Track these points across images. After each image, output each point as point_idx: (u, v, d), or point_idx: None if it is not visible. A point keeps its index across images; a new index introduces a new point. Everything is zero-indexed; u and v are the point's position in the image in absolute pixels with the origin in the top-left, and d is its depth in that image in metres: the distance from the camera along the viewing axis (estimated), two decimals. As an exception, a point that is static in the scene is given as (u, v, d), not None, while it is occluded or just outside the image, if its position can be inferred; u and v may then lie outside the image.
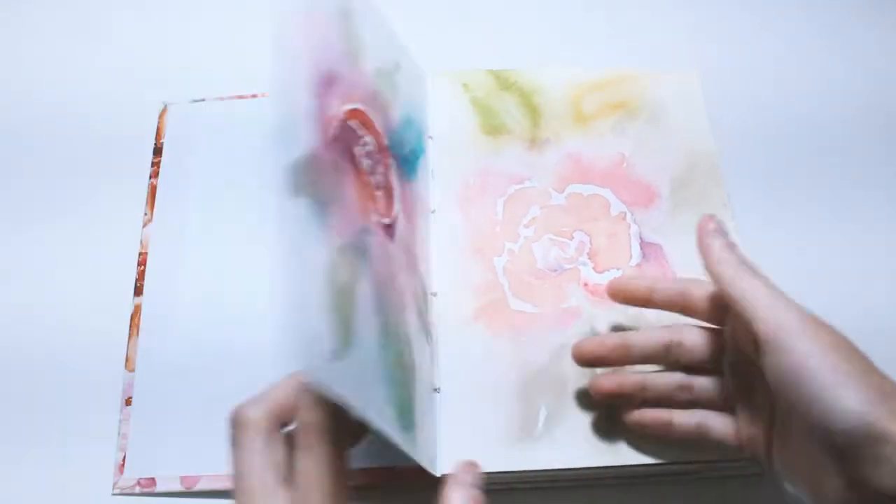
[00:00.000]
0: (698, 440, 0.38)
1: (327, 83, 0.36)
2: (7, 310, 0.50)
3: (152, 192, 0.52)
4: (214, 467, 0.44)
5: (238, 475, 0.34)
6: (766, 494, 0.43)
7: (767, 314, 0.33)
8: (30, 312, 0.50)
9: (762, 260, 0.44)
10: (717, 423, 0.38)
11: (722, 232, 0.38)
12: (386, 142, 0.43)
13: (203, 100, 0.55)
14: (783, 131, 0.54)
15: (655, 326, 0.41)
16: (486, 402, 0.43)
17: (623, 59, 0.54)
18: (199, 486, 0.44)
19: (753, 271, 0.36)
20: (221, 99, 0.55)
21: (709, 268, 0.37)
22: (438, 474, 0.40)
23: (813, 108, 0.55)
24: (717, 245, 0.37)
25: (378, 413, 0.33)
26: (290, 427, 0.35)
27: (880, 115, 0.55)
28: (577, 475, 0.42)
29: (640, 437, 0.40)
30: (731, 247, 0.37)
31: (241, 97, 0.55)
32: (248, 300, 0.48)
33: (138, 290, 0.49)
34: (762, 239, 0.46)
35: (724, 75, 0.55)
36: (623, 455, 0.41)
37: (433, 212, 0.48)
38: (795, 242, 0.50)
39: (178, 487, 0.44)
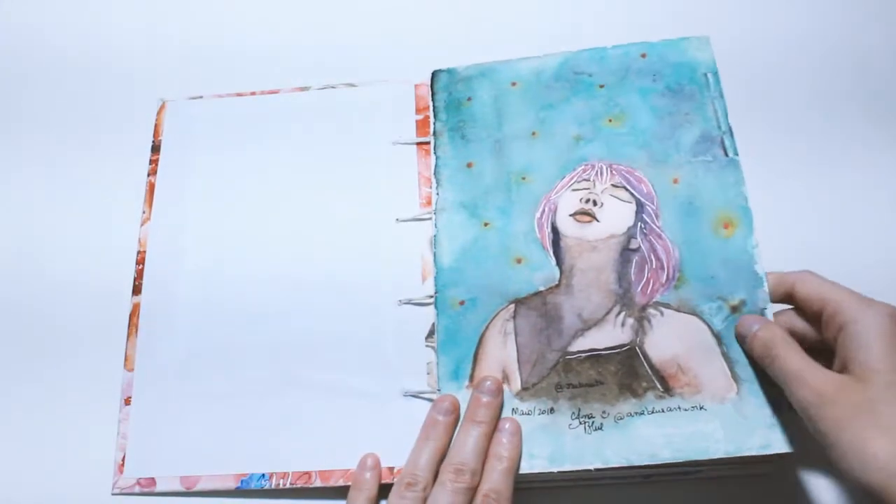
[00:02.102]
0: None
1: None
2: (6, 306, 0.50)
3: (150, 190, 0.52)
4: (214, 467, 0.44)
5: None
6: (765, 495, 0.43)
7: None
8: (28, 311, 0.50)
9: (770, 210, 0.46)
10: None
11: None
12: None
13: (201, 97, 0.55)
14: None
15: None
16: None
17: (635, 29, 0.53)
18: (199, 487, 0.44)
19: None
20: (220, 96, 0.55)
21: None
22: None
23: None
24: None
25: None
26: None
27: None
28: (578, 476, 0.42)
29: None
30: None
31: (239, 95, 0.55)
32: (247, 298, 0.48)
33: (137, 289, 0.49)
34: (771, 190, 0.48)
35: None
36: (623, 456, 0.41)
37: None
38: (803, 193, 0.51)
39: (177, 487, 0.44)
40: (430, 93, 0.53)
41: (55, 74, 0.58)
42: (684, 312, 0.43)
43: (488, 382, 0.43)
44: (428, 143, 0.51)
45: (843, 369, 0.37)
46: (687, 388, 0.41)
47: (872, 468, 0.33)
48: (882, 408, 0.34)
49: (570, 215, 0.47)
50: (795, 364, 0.38)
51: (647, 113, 0.49)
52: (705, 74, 0.49)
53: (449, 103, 0.52)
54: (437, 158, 0.50)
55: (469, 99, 0.52)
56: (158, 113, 0.55)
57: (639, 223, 0.46)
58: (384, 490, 0.42)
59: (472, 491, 0.40)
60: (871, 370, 0.35)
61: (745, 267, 0.43)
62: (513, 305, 0.45)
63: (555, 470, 0.41)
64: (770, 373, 0.39)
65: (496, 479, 0.40)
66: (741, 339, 0.41)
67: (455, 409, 0.43)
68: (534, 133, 0.50)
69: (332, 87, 0.55)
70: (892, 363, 0.35)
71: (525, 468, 0.41)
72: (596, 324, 0.44)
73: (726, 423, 0.40)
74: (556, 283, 0.45)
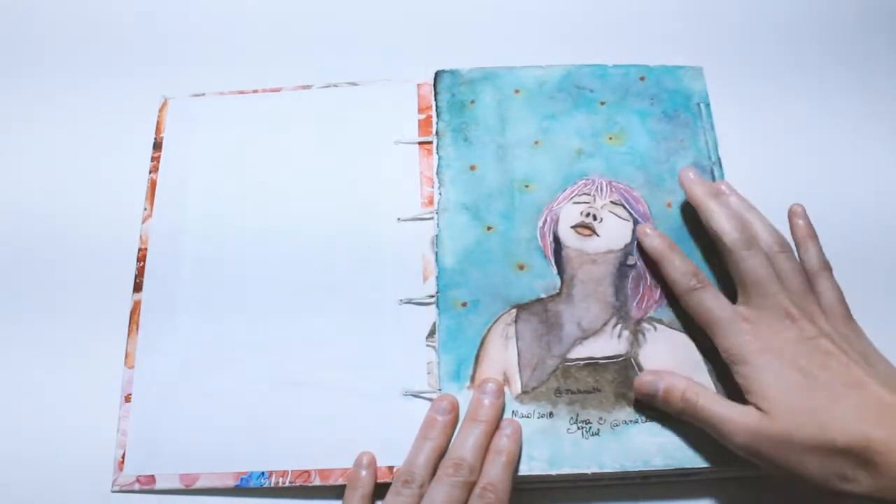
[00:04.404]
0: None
1: None
2: (7, 303, 0.50)
3: (152, 187, 0.52)
4: (214, 465, 0.44)
5: None
6: (764, 495, 0.43)
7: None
8: (29, 307, 0.50)
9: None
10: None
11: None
12: None
13: (203, 94, 0.55)
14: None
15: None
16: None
17: (627, 54, 0.54)
18: (199, 484, 0.44)
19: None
20: (222, 94, 0.55)
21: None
22: None
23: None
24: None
25: None
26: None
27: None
28: (576, 477, 0.42)
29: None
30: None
31: (241, 92, 0.55)
32: (248, 296, 0.48)
33: (138, 287, 0.49)
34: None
35: None
36: (618, 462, 0.42)
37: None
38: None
39: (177, 485, 0.44)
40: (432, 93, 0.53)
41: (56, 70, 0.58)
42: (675, 329, 0.45)
43: (490, 384, 0.43)
44: (430, 142, 0.51)
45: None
46: None
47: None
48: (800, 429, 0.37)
49: (572, 227, 0.48)
50: (721, 410, 0.40)
51: (645, 135, 0.50)
52: (698, 104, 0.51)
53: (452, 104, 0.52)
54: (439, 158, 0.50)
55: (472, 102, 0.52)
56: (160, 110, 0.55)
57: (636, 241, 0.47)
58: (382, 489, 0.42)
59: (470, 486, 0.40)
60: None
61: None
62: (514, 310, 0.46)
63: (553, 472, 0.42)
64: (693, 421, 0.41)
65: (495, 474, 0.40)
66: (649, 399, 0.42)
67: (454, 409, 0.43)
68: (536, 142, 0.50)
69: (335, 86, 0.55)
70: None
71: (524, 470, 0.42)
72: (594, 333, 0.45)
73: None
74: (557, 291, 0.46)
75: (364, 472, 0.43)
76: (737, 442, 0.38)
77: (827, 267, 0.43)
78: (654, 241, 0.45)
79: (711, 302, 0.42)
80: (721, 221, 0.43)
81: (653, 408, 0.42)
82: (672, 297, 0.45)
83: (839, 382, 0.38)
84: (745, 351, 0.40)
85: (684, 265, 0.43)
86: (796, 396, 0.38)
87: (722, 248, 0.43)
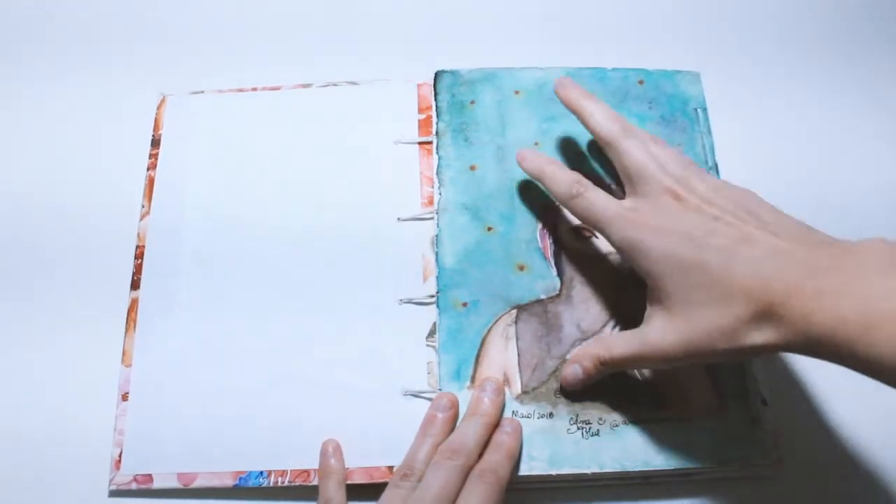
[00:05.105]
0: None
1: None
2: (5, 301, 0.49)
3: (150, 184, 0.52)
4: (212, 464, 0.44)
5: None
6: (764, 495, 0.43)
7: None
8: (27, 304, 0.49)
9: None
10: None
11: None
12: None
13: (202, 92, 0.55)
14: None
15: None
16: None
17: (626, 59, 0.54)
18: (197, 484, 0.44)
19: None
20: (220, 92, 0.55)
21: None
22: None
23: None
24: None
25: None
26: None
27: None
28: (577, 477, 0.42)
29: None
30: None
31: (240, 90, 0.55)
32: (246, 294, 0.48)
33: (135, 284, 0.49)
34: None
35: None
36: (619, 462, 0.42)
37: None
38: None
39: (175, 484, 0.44)
40: (432, 93, 0.53)
41: (53, 67, 0.57)
42: None
43: (490, 383, 0.43)
44: (430, 142, 0.52)
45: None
46: (677, 401, 0.43)
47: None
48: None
49: (571, 229, 0.48)
50: (635, 345, 0.40)
51: None
52: (695, 109, 0.51)
53: (452, 104, 0.52)
54: (439, 158, 0.50)
55: (472, 102, 0.52)
56: (158, 107, 0.54)
57: None
58: (381, 487, 0.42)
59: (468, 471, 0.39)
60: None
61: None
62: (514, 311, 0.46)
63: (553, 472, 0.42)
64: (627, 369, 0.42)
65: (494, 460, 0.40)
66: (582, 384, 0.42)
67: (454, 406, 0.43)
68: (536, 143, 0.51)
69: (335, 85, 0.54)
70: None
71: (524, 470, 0.42)
72: (594, 335, 0.45)
73: (711, 435, 0.42)
74: (557, 292, 0.46)
75: (332, 460, 0.43)
76: (663, 360, 0.38)
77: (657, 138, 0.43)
78: (533, 161, 0.45)
79: (597, 201, 0.41)
80: (599, 117, 0.43)
81: (653, 409, 0.43)
82: None
83: (730, 242, 0.36)
84: (635, 239, 0.39)
85: (565, 175, 0.43)
86: (691, 277, 0.37)
87: (603, 144, 0.43)
